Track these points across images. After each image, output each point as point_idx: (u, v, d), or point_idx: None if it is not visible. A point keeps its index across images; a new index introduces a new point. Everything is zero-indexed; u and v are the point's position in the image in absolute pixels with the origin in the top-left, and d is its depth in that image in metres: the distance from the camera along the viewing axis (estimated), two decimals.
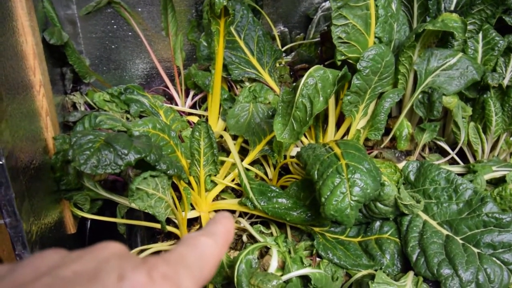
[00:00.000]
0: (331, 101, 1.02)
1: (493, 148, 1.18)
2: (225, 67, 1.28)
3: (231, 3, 1.01)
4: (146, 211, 0.75)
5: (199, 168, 0.97)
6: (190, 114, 1.37)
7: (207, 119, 1.30)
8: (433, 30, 0.96)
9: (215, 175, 1.01)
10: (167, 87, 1.46)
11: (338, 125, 1.16)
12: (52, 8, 0.98)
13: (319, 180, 0.81)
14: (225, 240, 0.34)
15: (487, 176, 0.96)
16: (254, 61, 1.29)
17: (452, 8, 1.23)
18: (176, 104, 1.45)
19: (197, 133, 0.97)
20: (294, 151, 1.12)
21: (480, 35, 1.14)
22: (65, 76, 1.08)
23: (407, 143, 1.16)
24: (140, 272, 0.26)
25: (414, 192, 0.90)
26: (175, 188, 0.97)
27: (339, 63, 1.00)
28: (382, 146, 1.20)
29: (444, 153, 1.21)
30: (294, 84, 1.31)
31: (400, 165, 1.08)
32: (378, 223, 0.91)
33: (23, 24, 0.72)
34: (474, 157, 1.20)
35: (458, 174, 1.05)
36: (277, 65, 1.35)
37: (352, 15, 0.94)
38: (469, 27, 1.10)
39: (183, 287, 0.28)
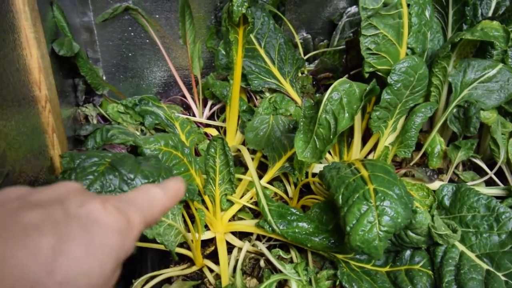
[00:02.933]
0: (358, 115, 0.95)
1: None
2: (244, 77, 1.21)
3: (251, 10, 0.95)
4: (154, 239, 0.69)
5: (214, 187, 0.91)
6: (207, 125, 1.31)
7: (225, 132, 1.24)
8: (471, 39, 0.87)
9: (231, 194, 0.94)
10: (185, 97, 1.40)
11: (364, 140, 1.08)
12: (62, 17, 0.93)
13: (344, 206, 0.74)
14: (174, 193, 0.39)
15: None
16: (275, 70, 1.22)
17: (490, 14, 1.14)
18: (194, 115, 1.39)
19: (212, 150, 0.91)
20: (316, 168, 1.05)
21: None
22: (77, 87, 1.03)
23: (439, 161, 1.07)
24: (96, 202, 0.31)
25: (449, 219, 0.82)
26: (187, 205, 0.91)
27: (366, 75, 0.93)
28: (412, 163, 1.11)
29: (479, 171, 1.11)
30: (318, 95, 1.25)
31: (432, 185, 1.00)
32: (408, 252, 0.83)
33: (27, 37, 0.67)
34: None
35: (497, 197, 0.96)
36: (299, 74, 1.28)
37: (383, 25, 0.86)
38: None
39: (131, 220, 0.33)
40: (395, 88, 0.86)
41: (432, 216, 0.76)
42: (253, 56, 1.21)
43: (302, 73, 1.32)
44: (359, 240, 0.69)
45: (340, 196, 0.76)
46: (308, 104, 0.86)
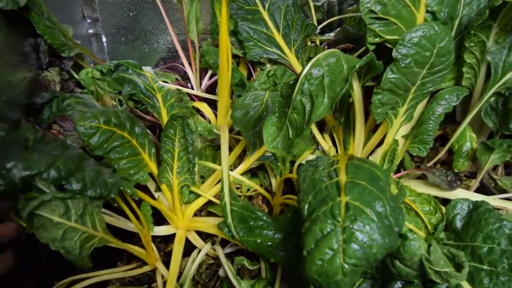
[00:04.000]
0: (358, 96, 0.74)
1: None
2: (241, 44, 1.03)
3: None
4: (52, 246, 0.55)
5: (171, 176, 0.76)
6: (204, 99, 1.14)
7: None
8: None
9: (194, 185, 0.78)
10: (184, 65, 1.24)
11: (375, 130, 0.87)
12: None
13: (307, 220, 0.55)
14: None
15: None
16: (278, 37, 1.02)
17: None
18: (192, 86, 1.23)
19: (171, 131, 0.75)
20: (309, 158, 0.86)
21: None
22: (39, 48, 0.90)
23: (467, 163, 0.84)
24: None
25: (457, 247, 0.61)
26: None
27: (371, 47, 0.71)
28: (433, 161, 0.89)
29: None
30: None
31: (452, 194, 0.78)
32: (399, 285, 0.63)
33: None
34: None
35: None
36: (308, 43, 1.07)
37: None
38: None
39: None
40: (403, 65, 0.64)
41: (429, 246, 0.56)
42: (254, 20, 1.02)
43: (312, 42, 1.11)
44: (316, 271, 0.51)
45: (306, 206, 0.58)
46: (287, 81, 0.67)
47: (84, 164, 0.55)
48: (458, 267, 0.56)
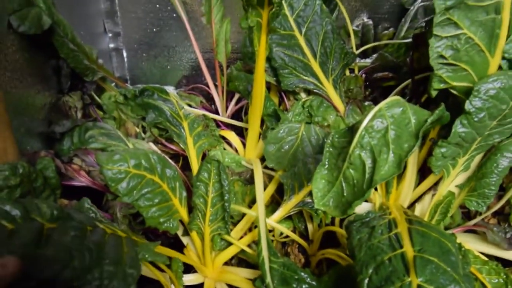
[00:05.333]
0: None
1: None
2: (275, 72, 0.96)
3: None
4: None
5: (203, 224, 0.68)
6: (229, 125, 1.07)
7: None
8: None
9: (226, 234, 0.71)
10: (209, 86, 1.18)
11: (422, 173, 0.79)
12: None
13: None
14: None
15: None
16: (315, 65, 0.95)
17: None
18: (217, 109, 1.17)
19: (205, 174, 0.68)
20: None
21: None
22: (61, 71, 0.83)
23: None
24: None
25: None
26: (176, 243, 0.69)
27: (434, 93, 0.64)
28: (489, 212, 0.81)
29: None
30: (367, 105, 0.96)
31: (510, 254, 0.70)
32: None
33: None
34: None
35: None
36: (347, 73, 1.00)
37: (468, 22, 0.56)
38: None
39: None
40: (476, 119, 0.57)
41: None
42: (289, 46, 0.95)
43: (351, 71, 1.04)
44: None
45: (366, 281, 0.50)
46: (340, 129, 0.59)
47: (104, 253, 0.47)
48: None
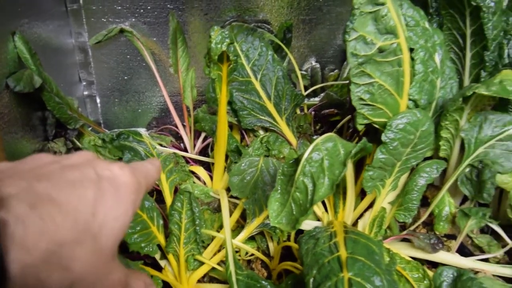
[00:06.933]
0: (350, 172, 0.82)
1: None
2: (235, 113, 1.11)
3: (234, 46, 0.84)
4: None
5: (178, 246, 0.80)
6: (198, 161, 1.20)
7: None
8: (487, 95, 0.73)
9: (199, 255, 0.83)
10: (177, 126, 1.31)
11: (363, 194, 0.94)
12: (26, 48, 0.85)
13: None
14: (158, 169, 0.48)
15: None
16: (270, 106, 1.11)
17: None
18: (186, 147, 1.30)
19: (178, 204, 0.80)
20: (304, 225, 0.92)
21: None
22: (47, 121, 0.95)
23: (447, 225, 0.92)
24: (116, 166, 0.41)
25: None
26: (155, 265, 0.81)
27: (360, 127, 0.80)
28: (418, 223, 0.96)
29: (499, 236, 0.96)
30: (315, 138, 1.12)
31: (435, 256, 0.85)
32: None
33: None
34: None
35: (510, 280, 0.81)
36: (298, 112, 1.16)
37: (379, 73, 0.73)
38: None
39: (140, 182, 0.43)
40: (391, 148, 0.73)
41: None
42: (247, 90, 1.10)
43: (302, 109, 1.20)
44: None
45: (311, 280, 0.64)
46: (288, 161, 0.74)
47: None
48: None
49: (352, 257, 0.63)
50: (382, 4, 0.67)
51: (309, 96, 1.35)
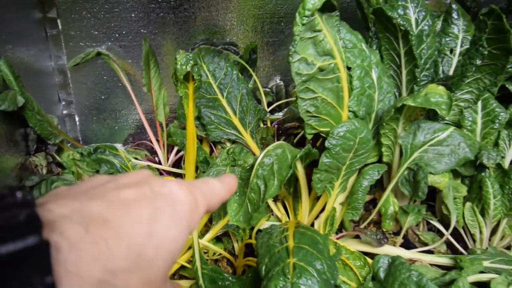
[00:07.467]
0: (302, 175, 0.93)
1: (494, 232, 1.04)
2: (204, 127, 1.21)
3: (197, 68, 0.95)
4: None
5: None
6: (171, 173, 1.30)
7: None
8: (413, 106, 0.86)
9: None
10: (152, 142, 1.41)
11: (318, 198, 1.05)
12: (10, 71, 0.94)
13: (265, 279, 0.71)
14: (229, 187, 0.48)
15: (474, 278, 0.82)
16: (236, 121, 1.22)
17: (451, 72, 1.12)
18: (160, 161, 1.39)
19: None
20: (265, 225, 1.02)
21: (480, 104, 1.02)
22: (28, 137, 1.04)
23: (392, 223, 1.03)
24: (174, 183, 0.39)
25: None
26: None
27: (309, 136, 0.91)
28: (366, 222, 1.08)
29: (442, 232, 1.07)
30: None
31: (381, 250, 0.96)
32: None
33: None
34: (474, 240, 1.06)
35: (446, 268, 0.92)
36: (261, 125, 1.27)
37: (321, 88, 0.85)
38: (465, 96, 0.99)
39: (198, 201, 0.41)
40: (334, 152, 0.84)
41: None
42: (214, 106, 1.21)
43: (264, 122, 1.31)
44: None
45: (263, 267, 0.73)
46: (244, 167, 0.85)
47: None
48: None
49: (298, 246, 0.74)
50: (319, 30, 0.79)
51: (274, 111, 1.47)
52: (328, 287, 0.69)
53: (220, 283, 0.84)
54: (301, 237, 0.76)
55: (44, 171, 1.06)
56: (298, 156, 0.78)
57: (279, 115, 1.42)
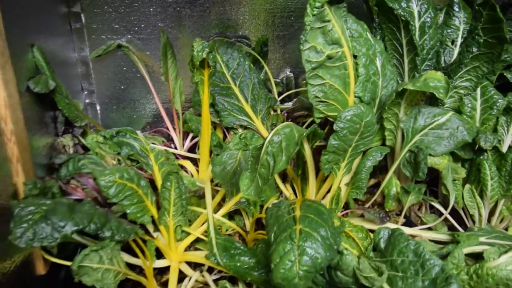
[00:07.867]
0: (309, 155, 0.99)
1: (493, 213, 1.10)
2: (217, 114, 1.29)
3: (213, 55, 1.02)
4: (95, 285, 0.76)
5: (168, 218, 0.97)
6: (186, 157, 1.37)
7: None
8: (413, 90, 0.92)
9: (186, 225, 1.00)
10: (169, 129, 1.49)
11: (325, 179, 1.12)
12: (42, 57, 1.03)
13: (273, 244, 0.78)
14: None
15: (469, 250, 0.88)
16: (248, 108, 1.29)
17: (452, 60, 1.18)
18: (176, 147, 1.47)
19: (168, 183, 0.97)
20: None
21: (478, 92, 1.08)
22: (57, 119, 1.13)
23: (395, 203, 1.10)
24: None
25: (382, 261, 0.85)
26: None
27: (318, 120, 0.98)
28: (370, 203, 1.14)
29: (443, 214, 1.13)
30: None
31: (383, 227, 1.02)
32: None
33: None
34: (473, 221, 1.12)
35: (443, 243, 0.98)
36: (271, 112, 1.34)
37: (329, 75, 0.92)
38: (465, 84, 1.05)
39: None
40: (341, 135, 0.91)
41: (358, 258, 0.80)
42: (227, 94, 1.28)
43: (275, 111, 1.38)
44: (280, 277, 0.73)
45: (272, 234, 0.80)
46: (255, 146, 0.92)
47: (109, 217, 0.77)
48: (380, 274, 0.79)
49: (304, 215, 0.80)
50: (328, 21, 0.86)
51: (284, 101, 1.54)
52: (332, 251, 0.75)
53: (232, 252, 0.91)
54: (307, 208, 0.83)
55: (71, 151, 1.14)
56: (304, 134, 0.85)
57: (288, 104, 1.48)
